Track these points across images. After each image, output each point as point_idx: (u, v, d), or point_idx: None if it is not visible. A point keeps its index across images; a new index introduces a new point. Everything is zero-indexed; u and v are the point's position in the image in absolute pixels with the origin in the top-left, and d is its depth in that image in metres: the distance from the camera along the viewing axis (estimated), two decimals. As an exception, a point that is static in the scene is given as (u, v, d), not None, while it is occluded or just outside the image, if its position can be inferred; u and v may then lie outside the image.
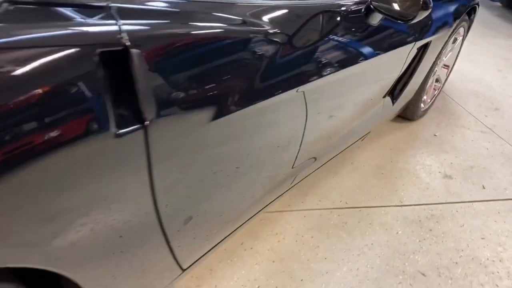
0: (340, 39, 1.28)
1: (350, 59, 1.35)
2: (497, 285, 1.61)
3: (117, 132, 0.68)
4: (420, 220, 1.88)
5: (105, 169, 0.69)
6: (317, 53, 1.17)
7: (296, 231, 1.70)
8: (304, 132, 1.30)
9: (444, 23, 2.09)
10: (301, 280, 1.49)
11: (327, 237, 1.70)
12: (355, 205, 1.90)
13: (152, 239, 0.90)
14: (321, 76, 1.20)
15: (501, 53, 4.45)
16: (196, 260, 1.17)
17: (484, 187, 2.18)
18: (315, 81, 1.17)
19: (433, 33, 1.99)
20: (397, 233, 1.79)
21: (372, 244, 1.70)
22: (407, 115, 2.62)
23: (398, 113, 2.53)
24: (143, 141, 0.73)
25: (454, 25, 2.23)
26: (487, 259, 1.73)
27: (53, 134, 0.60)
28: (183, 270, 1.11)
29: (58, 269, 0.71)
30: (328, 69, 1.24)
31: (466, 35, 2.71)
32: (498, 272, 1.67)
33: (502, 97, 3.33)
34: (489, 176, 2.28)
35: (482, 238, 1.84)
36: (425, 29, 1.90)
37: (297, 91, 1.12)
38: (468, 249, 1.76)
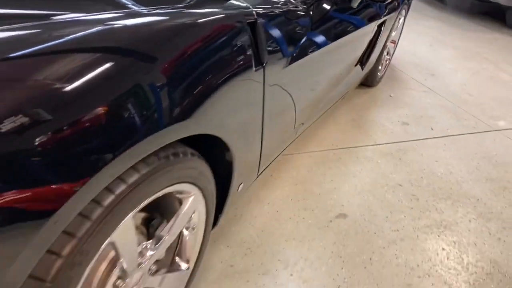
0: (326, 21, 1.82)
1: (335, 36, 1.90)
2: (451, 188, 2.28)
3: (255, 68, 1.19)
4: (391, 153, 2.52)
5: (247, 83, 1.19)
6: (310, 35, 1.68)
7: (307, 165, 2.27)
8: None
9: (394, 5, 2.74)
10: (318, 194, 2.06)
11: (329, 168, 2.28)
12: (343, 146, 2.50)
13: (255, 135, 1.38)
14: (317, 49, 1.71)
15: (428, 32, 5.28)
16: (263, 170, 1.68)
17: (432, 129, 2.87)
18: (315, 53, 1.68)
19: (388, 14, 2.63)
20: (377, 162, 2.40)
21: (361, 169, 2.31)
22: (368, 82, 3.27)
23: (362, 80, 3.17)
24: (262, 73, 1.25)
25: (401, 6, 2.89)
26: (442, 173, 2.40)
27: (229, 68, 1.10)
28: (257, 175, 1.63)
29: (220, 135, 1.15)
30: (317, 46, 1.76)
31: (406, 15, 3.41)
32: (450, 181, 2.34)
33: (435, 65, 4.11)
34: (435, 121, 2.98)
35: (436, 161, 2.51)
36: (383, 10, 2.53)
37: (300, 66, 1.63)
38: (427, 168, 2.42)
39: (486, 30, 6.01)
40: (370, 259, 1.73)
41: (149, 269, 1.09)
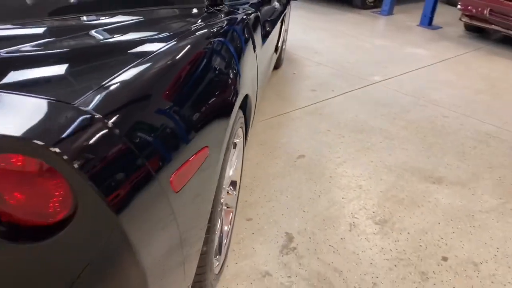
0: (269, 19, 2.54)
1: (273, 29, 2.62)
2: (362, 125, 3.15)
3: (253, 51, 1.83)
4: (313, 112, 3.32)
5: (253, 57, 1.82)
6: (262, 30, 2.41)
7: (262, 130, 2.94)
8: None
9: (287, 2, 3.55)
10: (279, 147, 2.75)
11: (278, 129, 2.98)
12: (280, 113, 3.23)
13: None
14: (265, 39, 2.42)
15: (299, 20, 6.31)
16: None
17: (333, 91, 3.76)
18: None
19: (285, 8, 3.43)
20: (307, 119, 3.18)
21: (299, 126, 3.06)
22: (276, 65, 4.05)
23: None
24: (255, 54, 1.88)
25: (290, 2, 3.72)
26: (352, 117, 3.27)
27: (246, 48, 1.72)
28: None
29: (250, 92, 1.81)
30: (266, 36, 2.47)
31: (290, 10, 4.28)
32: (360, 121, 3.22)
33: (315, 45, 5.08)
34: (333, 85, 3.88)
35: (346, 110, 3.38)
36: (286, 5, 3.32)
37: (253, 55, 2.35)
38: (342, 116, 3.27)
39: (341, 12, 7.29)
40: (330, 176, 2.48)
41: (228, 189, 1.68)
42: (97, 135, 0.74)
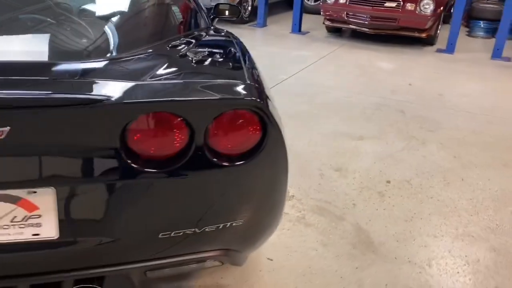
0: None
1: None
2: (292, 109, 3.96)
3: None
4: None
5: None
6: None
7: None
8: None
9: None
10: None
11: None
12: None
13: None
14: None
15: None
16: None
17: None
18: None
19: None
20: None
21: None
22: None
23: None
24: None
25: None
26: (281, 106, 4.06)
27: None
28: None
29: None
30: None
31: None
32: (286, 106, 4.02)
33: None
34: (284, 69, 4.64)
35: (311, 84, 4.16)
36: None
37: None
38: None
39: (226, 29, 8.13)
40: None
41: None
42: (262, 94, 1.36)
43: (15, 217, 1.22)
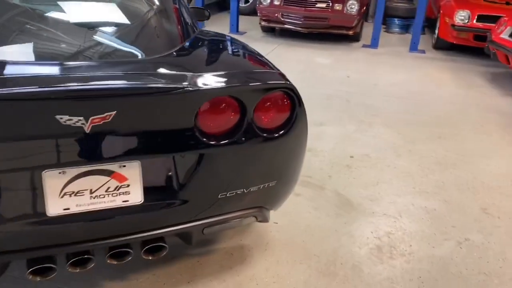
0: None
1: None
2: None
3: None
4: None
5: None
6: None
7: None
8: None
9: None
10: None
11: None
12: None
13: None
14: None
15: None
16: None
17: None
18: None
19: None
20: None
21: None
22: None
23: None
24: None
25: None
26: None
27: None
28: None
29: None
30: None
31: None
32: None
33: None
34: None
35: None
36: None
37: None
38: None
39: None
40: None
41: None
42: (287, 81, 1.75)
43: (109, 187, 1.49)
